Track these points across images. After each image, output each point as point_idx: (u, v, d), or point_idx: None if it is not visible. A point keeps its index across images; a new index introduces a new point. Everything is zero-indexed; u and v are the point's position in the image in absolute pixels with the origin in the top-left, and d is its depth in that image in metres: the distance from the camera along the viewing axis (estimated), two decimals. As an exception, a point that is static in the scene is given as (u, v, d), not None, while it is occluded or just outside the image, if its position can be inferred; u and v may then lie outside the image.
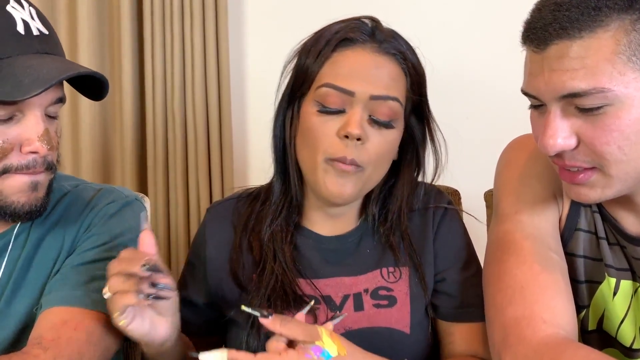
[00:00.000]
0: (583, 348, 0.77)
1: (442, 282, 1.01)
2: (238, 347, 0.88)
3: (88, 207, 0.96)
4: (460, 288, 1.00)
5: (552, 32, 0.71)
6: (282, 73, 1.01)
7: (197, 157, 1.77)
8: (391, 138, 0.94)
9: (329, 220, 1.02)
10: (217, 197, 1.77)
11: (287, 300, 0.94)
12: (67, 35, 1.78)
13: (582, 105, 0.72)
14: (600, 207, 0.88)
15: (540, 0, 0.76)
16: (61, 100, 0.86)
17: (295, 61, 0.99)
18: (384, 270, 0.99)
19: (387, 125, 0.92)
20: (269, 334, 0.81)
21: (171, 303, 0.82)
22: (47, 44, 0.84)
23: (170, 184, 1.79)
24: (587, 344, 0.90)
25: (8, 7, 0.81)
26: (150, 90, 1.76)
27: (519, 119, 1.69)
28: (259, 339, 0.92)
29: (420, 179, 1.04)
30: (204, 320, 1.06)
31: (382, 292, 0.98)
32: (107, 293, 0.76)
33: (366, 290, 0.98)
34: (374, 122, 0.91)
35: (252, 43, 1.85)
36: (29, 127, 0.81)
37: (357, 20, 0.96)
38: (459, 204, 1.20)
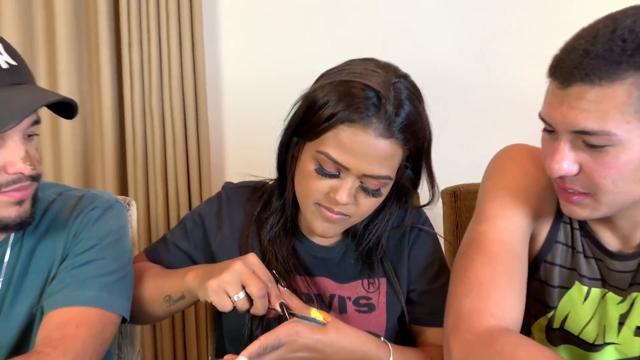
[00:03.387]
0: (516, 335, 0.88)
1: (414, 292, 1.12)
2: (239, 330, 1.01)
3: (73, 215, 1.03)
4: (429, 297, 1.11)
5: (576, 74, 0.81)
6: (294, 104, 1.04)
7: (175, 156, 1.84)
8: (380, 198, 1.02)
9: None
10: (195, 194, 1.85)
11: None
12: (45, 36, 1.83)
13: (589, 142, 0.83)
14: (582, 225, 1.00)
15: (572, 41, 0.85)
16: (37, 122, 0.94)
17: (306, 95, 1.02)
18: (365, 281, 1.10)
19: (375, 193, 1.00)
20: (270, 321, 0.96)
21: None
22: (17, 75, 0.90)
23: (150, 183, 1.86)
24: (550, 340, 1.04)
25: None
26: (128, 91, 1.82)
27: (478, 120, 1.86)
28: (262, 323, 1.02)
29: None
30: None
31: (363, 301, 1.09)
32: (241, 294, 0.92)
33: (349, 298, 1.09)
34: (364, 189, 0.99)
35: (226, 44, 1.92)
36: (11, 152, 0.90)
37: (367, 92, 0.95)
38: (418, 201, 1.28)
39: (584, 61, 0.81)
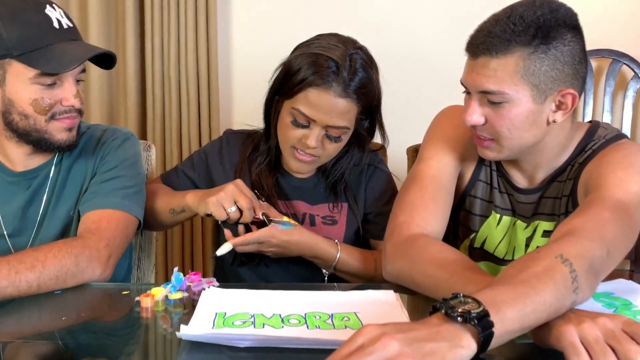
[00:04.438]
0: (431, 238, 1.13)
1: (371, 214, 1.43)
2: (233, 233, 1.27)
3: (100, 143, 1.33)
4: (382, 218, 1.37)
5: (482, 49, 1.06)
6: (276, 70, 1.32)
7: (189, 116, 2.12)
8: (341, 143, 1.32)
9: None
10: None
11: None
12: (78, 11, 2.13)
13: (491, 99, 1.08)
14: (498, 166, 1.27)
15: (482, 24, 1.09)
16: (84, 70, 1.24)
17: (284, 65, 1.30)
18: (331, 204, 1.41)
19: (337, 139, 1.29)
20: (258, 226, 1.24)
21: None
22: (73, 34, 1.20)
23: (167, 137, 2.15)
24: (472, 257, 1.28)
25: (46, 10, 1.16)
26: (149, 62, 2.10)
27: (434, 93, 2.13)
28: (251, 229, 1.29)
29: None
30: None
31: (328, 218, 1.40)
32: (233, 207, 1.21)
33: (318, 215, 1.40)
34: (328, 136, 1.28)
35: (237, 19, 2.22)
36: (66, 89, 1.19)
37: (329, 62, 1.22)
38: (385, 156, 1.56)
39: (486, 39, 1.07)
